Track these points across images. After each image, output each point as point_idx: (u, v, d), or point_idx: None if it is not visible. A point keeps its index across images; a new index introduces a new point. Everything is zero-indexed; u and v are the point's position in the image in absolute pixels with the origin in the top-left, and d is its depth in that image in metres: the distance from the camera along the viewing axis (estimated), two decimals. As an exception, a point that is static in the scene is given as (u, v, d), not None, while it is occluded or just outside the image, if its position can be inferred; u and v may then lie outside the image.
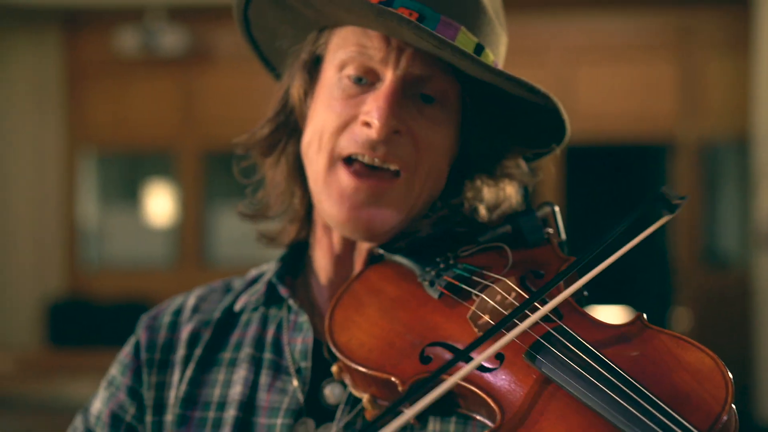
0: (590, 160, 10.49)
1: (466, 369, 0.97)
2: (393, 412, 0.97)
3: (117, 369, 1.32)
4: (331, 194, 1.18)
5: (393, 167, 1.17)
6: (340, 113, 1.18)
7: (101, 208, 9.76)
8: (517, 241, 1.20)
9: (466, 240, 1.21)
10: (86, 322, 8.48)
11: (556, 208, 1.25)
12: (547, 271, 1.15)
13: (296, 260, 1.34)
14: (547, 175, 1.25)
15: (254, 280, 1.37)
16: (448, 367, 0.98)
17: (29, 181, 9.20)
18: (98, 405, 1.31)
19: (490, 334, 1.00)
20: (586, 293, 1.16)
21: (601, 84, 8.60)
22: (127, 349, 1.33)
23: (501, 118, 1.24)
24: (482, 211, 1.27)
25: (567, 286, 1.07)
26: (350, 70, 1.19)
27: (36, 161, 9.23)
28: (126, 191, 9.97)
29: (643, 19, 8.64)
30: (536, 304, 1.06)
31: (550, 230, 1.23)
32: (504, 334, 1.00)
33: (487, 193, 1.27)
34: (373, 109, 1.14)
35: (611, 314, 10.08)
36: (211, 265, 9.48)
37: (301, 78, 1.27)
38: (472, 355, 1.00)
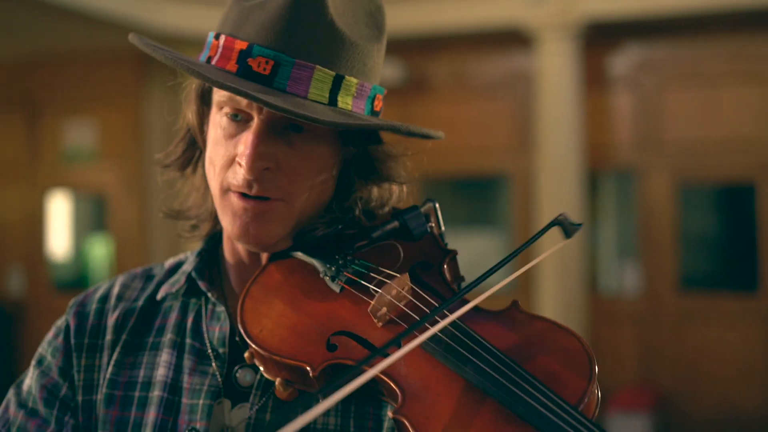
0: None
1: (385, 362, 1.05)
2: (313, 398, 1.12)
3: (47, 350, 1.42)
4: (226, 213, 1.30)
5: (269, 197, 1.29)
6: (224, 152, 1.29)
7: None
8: (404, 235, 1.35)
9: (360, 236, 1.34)
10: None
11: (437, 204, 1.41)
12: (433, 261, 1.31)
13: (214, 252, 1.45)
14: None
15: (173, 270, 1.47)
16: (368, 360, 1.07)
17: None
18: (29, 382, 1.41)
19: (412, 328, 1.11)
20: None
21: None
22: (53, 333, 1.43)
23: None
24: (376, 195, 1.41)
25: (459, 289, 1.23)
26: (227, 110, 1.29)
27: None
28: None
29: None
30: (433, 301, 1.21)
31: (432, 224, 1.38)
32: (411, 329, 1.11)
33: (375, 192, 1.39)
34: (242, 152, 1.25)
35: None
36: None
37: (195, 106, 1.37)
38: (386, 350, 1.11)
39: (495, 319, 1.21)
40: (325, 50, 1.26)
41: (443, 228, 1.40)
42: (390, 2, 7.20)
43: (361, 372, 1.04)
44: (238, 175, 1.28)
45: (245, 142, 1.26)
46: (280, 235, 1.31)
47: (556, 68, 8.53)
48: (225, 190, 1.31)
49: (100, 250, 10.65)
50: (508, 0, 8.63)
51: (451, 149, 9.69)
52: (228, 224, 1.31)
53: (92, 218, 11.01)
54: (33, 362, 1.44)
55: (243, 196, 1.29)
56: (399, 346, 1.13)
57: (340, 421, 1.27)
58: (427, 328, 1.14)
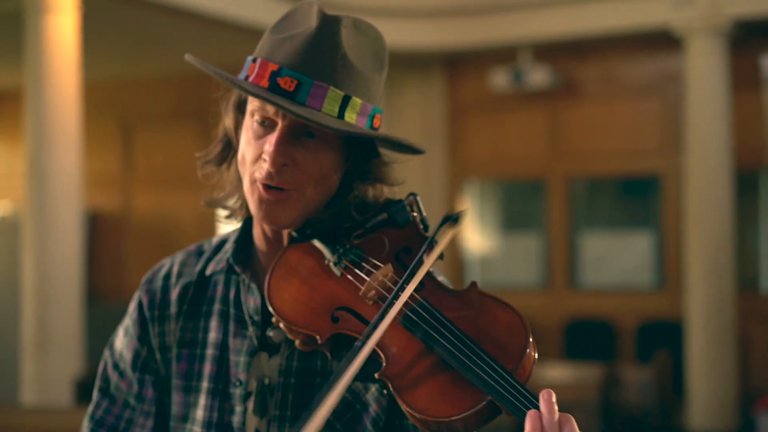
0: None
1: (378, 333, 1.37)
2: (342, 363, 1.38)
3: (130, 321, 1.73)
4: (252, 200, 1.58)
5: (285, 188, 1.56)
6: (253, 150, 1.56)
7: (481, 234, 10.39)
8: (392, 223, 1.61)
9: (357, 227, 1.61)
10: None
11: (419, 197, 1.65)
12: (413, 246, 1.57)
13: (248, 233, 1.72)
14: None
15: (218, 247, 1.76)
16: (370, 333, 1.37)
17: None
18: (119, 346, 1.73)
19: (385, 312, 1.40)
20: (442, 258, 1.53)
21: None
22: (133, 306, 1.74)
23: (375, 139, 1.61)
24: (371, 194, 1.66)
25: (428, 256, 1.48)
26: (257, 117, 1.56)
27: (424, 190, 10.03)
28: (504, 218, 10.48)
29: None
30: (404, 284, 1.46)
31: (415, 214, 1.62)
32: (391, 308, 1.39)
33: (370, 192, 1.65)
34: (267, 150, 1.53)
35: None
36: (580, 286, 9.78)
37: (233, 114, 1.65)
38: (374, 322, 1.41)
39: (455, 297, 1.47)
40: (338, 75, 1.54)
41: (425, 214, 1.64)
42: (538, 9, 7.23)
43: (365, 343, 1.36)
44: (263, 168, 1.55)
45: (270, 142, 1.54)
46: (293, 218, 1.59)
47: (704, 69, 8.34)
48: (253, 181, 1.57)
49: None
50: (654, 2, 8.51)
51: (602, 151, 9.61)
52: (254, 209, 1.59)
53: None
54: (121, 329, 1.76)
55: (266, 187, 1.56)
56: (381, 320, 1.41)
57: (332, 363, 1.58)
58: (400, 305, 1.42)
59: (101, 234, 11.53)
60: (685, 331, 8.64)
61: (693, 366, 8.38)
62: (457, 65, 10.26)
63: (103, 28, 8.67)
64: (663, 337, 9.06)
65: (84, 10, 7.20)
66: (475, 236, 10.29)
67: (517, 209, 10.35)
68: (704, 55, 8.32)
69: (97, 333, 9.25)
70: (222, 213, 1.76)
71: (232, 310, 1.66)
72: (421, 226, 1.62)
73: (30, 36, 6.98)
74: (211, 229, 11.01)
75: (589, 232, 9.78)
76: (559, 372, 7.84)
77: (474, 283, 1.48)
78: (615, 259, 9.63)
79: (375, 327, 1.39)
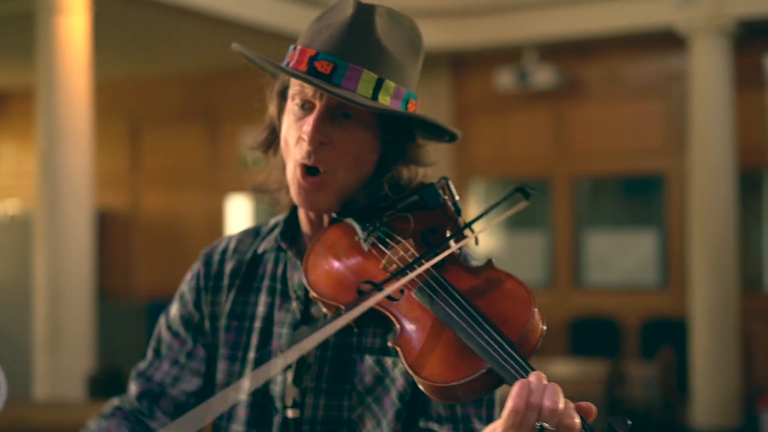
0: None
1: (381, 295, 1.46)
2: (338, 316, 1.48)
3: (186, 288, 1.82)
4: (293, 185, 1.65)
5: (321, 168, 1.62)
6: (294, 131, 1.63)
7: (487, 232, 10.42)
8: (423, 205, 1.66)
9: (390, 206, 1.67)
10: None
11: (450, 182, 1.70)
12: (440, 227, 1.64)
13: (296, 217, 1.79)
14: None
15: (272, 229, 1.83)
16: (371, 292, 1.49)
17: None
18: (174, 311, 1.81)
19: (395, 275, 1.50)
20: (476, 242, 1.64)
21: None
22: (191, 275, 1.83)
23: (410, 122, 1.68)
24: (405, 175, 1.72)
25: (457, 241, 1.57)
26: (297, 100, 1.63)
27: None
28: (508, 217, 10.49)
29: None
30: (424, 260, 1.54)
31: (446, 197, 1.68)
32: (404, 277, 1.48)
33: (405, 172, 1.71)
34: (306, 130, 1.60)
35: None
36: (585, 285, 9.83)
37: (276, 101, 1.72)
38: (386, 288, 1.50)
39: (471, 272, 1.55)
40: (372, 59, 1.61)
41: (457, 198, 1.70)
42: (543, 9, 7.29)
43: (368, 299, 1.46)
44: (303, 148, 1.62)
45: (308, 122, 1.61)
46: (330, 202, 1.66)
47: (708, 68, 8.39)
48: (295, 165, 1.64)
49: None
50: (658, 2, 8.56)
51: (606, 151, 9.65)
52: (294, 194, 1.66)
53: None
54: (177, 296, 1.84)
55: (305, 172, 1.63)
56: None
57: (366, 339, 1.66)
58: (417, 275, 1.51)
59: (109, 233, 11.60)
60: (688, 328, 8.69)
61: (697, 363, 8.43)
62: (463, 65, 10.31)
63: (113, 29, 8.73)
64: (667, 335, 9.11)
65: (95, 10, 7.27)
66: (480, 235, 10.32)
67: (521, 208, 10.38)
68: (708, 54, 8.37)
69: (106, 331, 9.33)
70: (269, 203, 1.83)
71: (278, 285, 1.74)
72: (453, 209, 1.68)
73: (41, 36, 7.05)
74: (219, 228, 11.08)
75: (594, 231, 9.83)
76: (564, 368, 7.89)
77: (490, 260, 1.56)
78: (619, 257, 9.68)
79: (380, 288, 1.50)
